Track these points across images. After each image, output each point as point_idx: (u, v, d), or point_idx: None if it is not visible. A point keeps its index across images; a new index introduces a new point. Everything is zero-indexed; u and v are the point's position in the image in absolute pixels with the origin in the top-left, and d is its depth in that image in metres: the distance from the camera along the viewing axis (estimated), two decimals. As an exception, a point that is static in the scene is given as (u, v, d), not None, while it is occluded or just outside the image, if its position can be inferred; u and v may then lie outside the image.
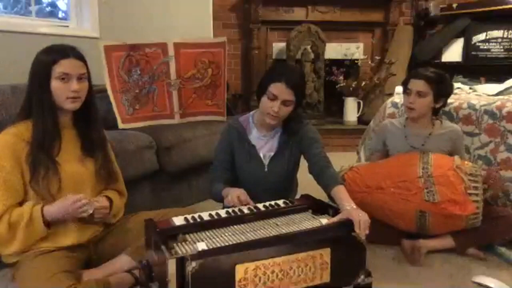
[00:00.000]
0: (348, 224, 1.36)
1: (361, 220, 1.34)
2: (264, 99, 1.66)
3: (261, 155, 1.78)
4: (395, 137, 2.07)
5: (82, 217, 1.43)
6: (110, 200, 1.58)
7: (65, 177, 1.45)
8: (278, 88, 1.62)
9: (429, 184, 1.77)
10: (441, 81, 1.94)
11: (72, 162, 1.50)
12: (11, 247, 1.39)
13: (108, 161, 1.61)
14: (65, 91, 1.41)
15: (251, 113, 1.84)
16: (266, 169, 1.77)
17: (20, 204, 1.41)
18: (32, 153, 1.39)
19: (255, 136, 1.80)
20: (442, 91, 1.96)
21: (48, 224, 1.40)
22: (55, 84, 1.40)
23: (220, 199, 1.72)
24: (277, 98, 1.62)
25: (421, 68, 2.03)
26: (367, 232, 1.34)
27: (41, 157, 1.40)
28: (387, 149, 2.12)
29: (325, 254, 1.29)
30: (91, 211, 1.43)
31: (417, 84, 1.93)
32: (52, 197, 1.42)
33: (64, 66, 1.40)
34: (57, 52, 1.42)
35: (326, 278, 1.30)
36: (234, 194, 1.58)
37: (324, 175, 1.61)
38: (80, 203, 1.39)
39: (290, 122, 1.76)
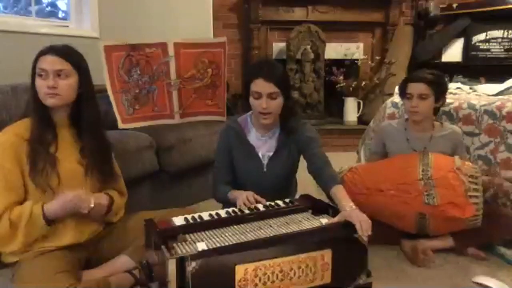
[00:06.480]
0: (349, 226, 1.36)
1: (362, 222, 1.34)
2: (251, 100, 1.68)
3: (260, 155, 1.78)
4: (396, 140, 2.06)
5: (82, 212, 1.43)
6: (111, 198, 1.58)
7: (63, 173, 1.45)
8: (258, 85, 1.64)
9: (429, 187, 1.76)
10: (439, 80, 1.96)
11: (70, 161, 1.49)
12: (12, 245, 1.39)
13: (106, 163, 1.60)
14: (43, 87, 1.43)
15: (249, 113, 1.84)
16: (265, 169, 1.77)
17: (21, 204, 1.40)
18: (31, 147, 1.41)
19: (254, 136, 1.80)
20: (442, 90, 1.97)
21: (49, 221, 1.40)
22: (36, 81, 1.44)
23: (226, 202, 1.72)
24: (261, 95, 1.64)
25: (416, 71, 2.03)
26: (369, 233, 1.34)
27: (39, 150, 1.42)
28: (386, 151, 2.12)
29: (327, 255, 1.29)
30: (92, 205, 1.44)
31: (418, 88, 1.92)
32: (52, 190, 1.42)
33: (41, 62, 1.43)
34: (42, 50, 1.45)
35: (327, 279, 1.30)
36: (243, 197, 1.59)
37: (322, 174, 1.61)
38: (79, 197, 1.40)
39: (287, 120, 1.76)
